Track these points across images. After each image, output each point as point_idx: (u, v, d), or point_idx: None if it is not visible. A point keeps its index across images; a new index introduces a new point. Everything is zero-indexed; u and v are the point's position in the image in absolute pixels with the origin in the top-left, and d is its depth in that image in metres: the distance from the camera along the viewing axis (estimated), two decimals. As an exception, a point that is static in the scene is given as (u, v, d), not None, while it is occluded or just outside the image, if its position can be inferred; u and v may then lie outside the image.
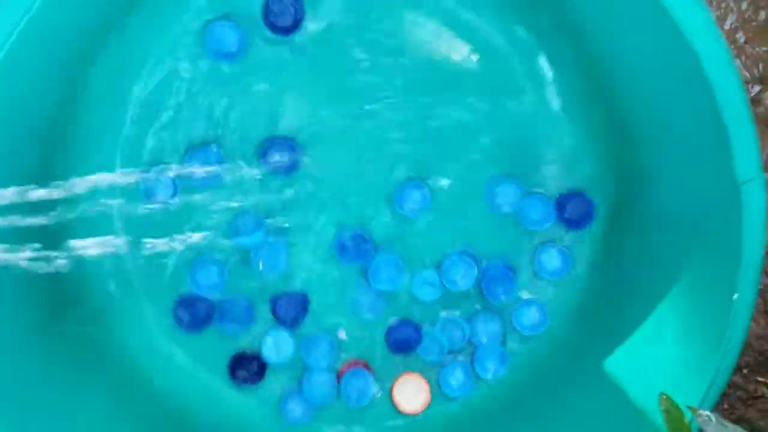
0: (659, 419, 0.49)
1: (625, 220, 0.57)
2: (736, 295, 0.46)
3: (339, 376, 0.61)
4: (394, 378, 0.60)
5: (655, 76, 0.49)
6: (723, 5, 0.64)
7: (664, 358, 0.54)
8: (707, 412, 0.44)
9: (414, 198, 0.59)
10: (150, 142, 0.58)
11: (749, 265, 0.44)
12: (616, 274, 0.58)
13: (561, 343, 0.60)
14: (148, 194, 0.58)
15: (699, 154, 0.47)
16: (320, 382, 0.60)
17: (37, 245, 0.52)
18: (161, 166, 0.58)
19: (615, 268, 0.58)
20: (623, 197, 0.57)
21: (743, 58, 0.66)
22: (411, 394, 0.61)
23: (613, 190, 0.58)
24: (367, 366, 0.61)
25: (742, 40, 0.66)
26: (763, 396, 0.68)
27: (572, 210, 0.59)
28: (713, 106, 0.43)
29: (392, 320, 0.60)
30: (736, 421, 0.68)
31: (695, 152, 0.47)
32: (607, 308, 0.58)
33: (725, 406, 0.68)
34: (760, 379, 0.68)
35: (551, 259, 0.60)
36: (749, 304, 0.47)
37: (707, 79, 0.43)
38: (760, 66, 0.66)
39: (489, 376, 0.60)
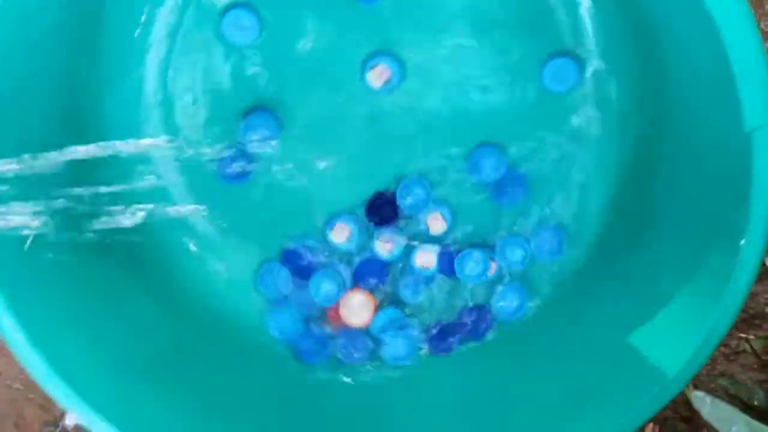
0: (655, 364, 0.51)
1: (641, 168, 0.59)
2: (743, 241, 0.46)
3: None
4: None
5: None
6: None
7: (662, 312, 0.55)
8: (703, 393, 0.44)
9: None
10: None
11: (758, 211, 0.45)
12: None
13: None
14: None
15: (709, 99, 0.48)
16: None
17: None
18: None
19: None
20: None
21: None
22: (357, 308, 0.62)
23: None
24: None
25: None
26: (745, 351, 0.70)
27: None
28: (720, 45, 0.44)
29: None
30: (720, 375, 0.70)
31: (705, 97, 0.48)
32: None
33: (707, 362, 0.70)
34: (742, 335, 0.70)
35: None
36: (757, 254, 0.47)
37: (713, 17, 0.44)
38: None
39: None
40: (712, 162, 0.50)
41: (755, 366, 0.70)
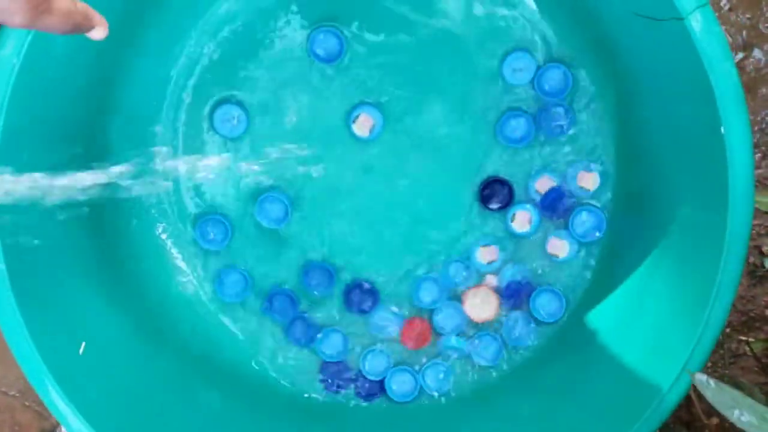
0: (650, 377, 0.52)
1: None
2: (722, 129, 0.47)
3: None
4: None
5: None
6: (709, -28, 0.66)
7: (652, 317, 0.56)
8: (705, 376, 0.43)
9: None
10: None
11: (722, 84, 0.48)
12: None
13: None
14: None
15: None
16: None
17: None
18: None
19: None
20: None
21: (727, 25, 0.68)
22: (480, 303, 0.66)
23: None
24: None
25: (726, 8, 0.68)
26: (745, 354, 0.70)
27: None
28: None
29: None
30: (719, 378, 0.70)
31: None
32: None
33: (708, 364, 0.70)
34: (742, 338, 0.70)
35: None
36: (741, 250, 0.48)
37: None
38: (744, 33, 0.68)
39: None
40: (676, 84, 0.53)
41: (756, 368, 0.69)
